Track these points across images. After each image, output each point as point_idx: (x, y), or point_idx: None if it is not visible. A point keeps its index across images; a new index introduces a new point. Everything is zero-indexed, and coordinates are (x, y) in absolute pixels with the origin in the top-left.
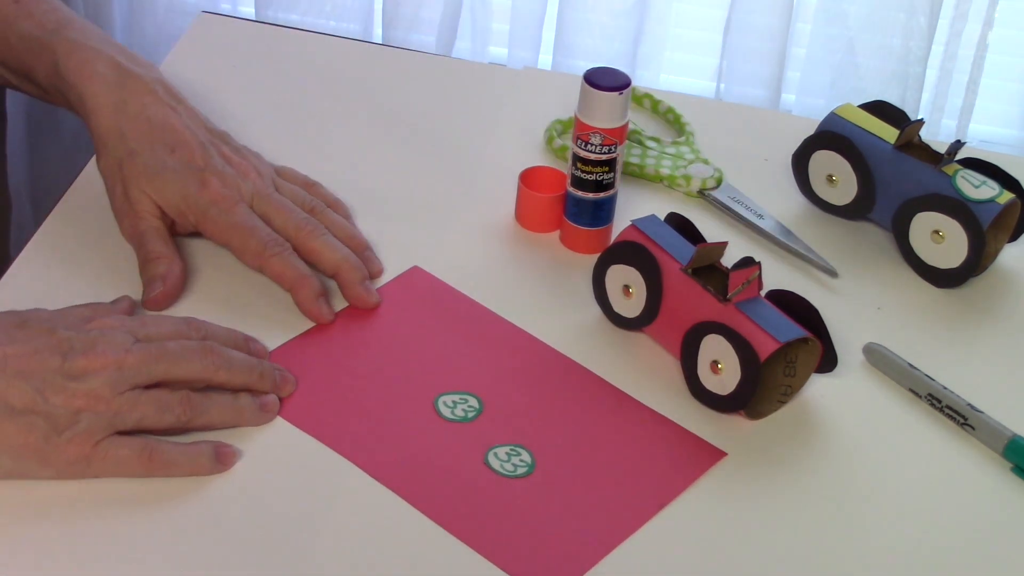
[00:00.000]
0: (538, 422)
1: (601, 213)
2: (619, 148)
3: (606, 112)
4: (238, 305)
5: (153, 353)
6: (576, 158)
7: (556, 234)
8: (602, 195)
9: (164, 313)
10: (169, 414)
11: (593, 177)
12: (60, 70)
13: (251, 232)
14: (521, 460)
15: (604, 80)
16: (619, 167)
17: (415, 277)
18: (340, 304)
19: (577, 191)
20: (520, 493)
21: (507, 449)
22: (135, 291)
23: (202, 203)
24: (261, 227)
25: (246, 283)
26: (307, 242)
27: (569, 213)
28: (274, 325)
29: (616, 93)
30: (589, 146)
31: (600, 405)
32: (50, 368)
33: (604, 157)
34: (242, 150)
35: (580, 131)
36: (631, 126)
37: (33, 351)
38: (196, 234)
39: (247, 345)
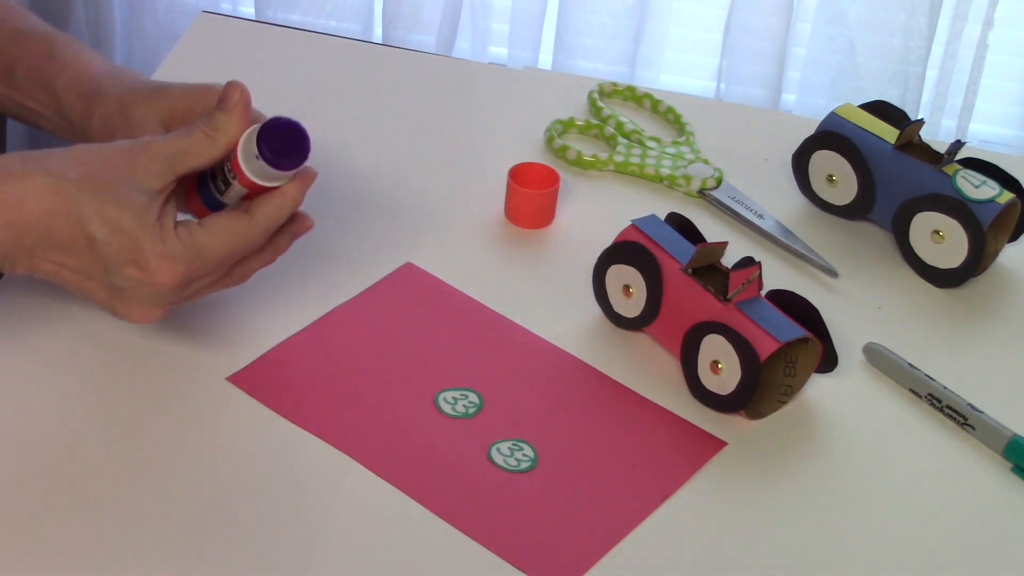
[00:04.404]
0: (539, 417)
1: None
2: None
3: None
4: (235, 300)
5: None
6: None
7: (549, 230)
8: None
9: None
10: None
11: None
12: None
13: None
14: (524, 455)
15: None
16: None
17: (409, 274)
18: (335, 302)
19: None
20: (525, 487)
21: (509, 444)
22: None
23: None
24: None
25: None
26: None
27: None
28: (271, 323)
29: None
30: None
31: (600, 398)
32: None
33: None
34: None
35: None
36: (631, 126)
37: (86, 277)
38: None
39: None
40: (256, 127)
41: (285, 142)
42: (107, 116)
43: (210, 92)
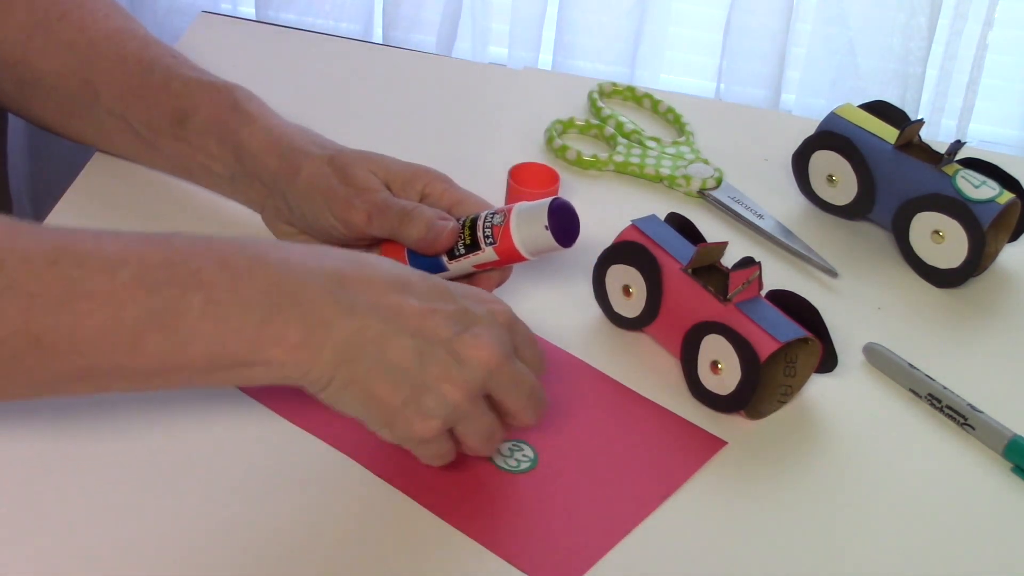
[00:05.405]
0: None
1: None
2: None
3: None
4: None
5: (516, 378)
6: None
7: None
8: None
9: None
10: (483, 445)
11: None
12: None
13: None
14: (524, 455)
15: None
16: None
17: None
18: None
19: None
20: (524, 488)
21: (509, 444)
22: None
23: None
24: None
25: None
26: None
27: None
28: None
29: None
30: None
31: (600, 398)
32: (440, 337)
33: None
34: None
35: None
36: (631, 126)
37: (431, 310)
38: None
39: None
40: (531, 203)
41: (568, 220)
42: (317, 173)
43: (427, 175)
